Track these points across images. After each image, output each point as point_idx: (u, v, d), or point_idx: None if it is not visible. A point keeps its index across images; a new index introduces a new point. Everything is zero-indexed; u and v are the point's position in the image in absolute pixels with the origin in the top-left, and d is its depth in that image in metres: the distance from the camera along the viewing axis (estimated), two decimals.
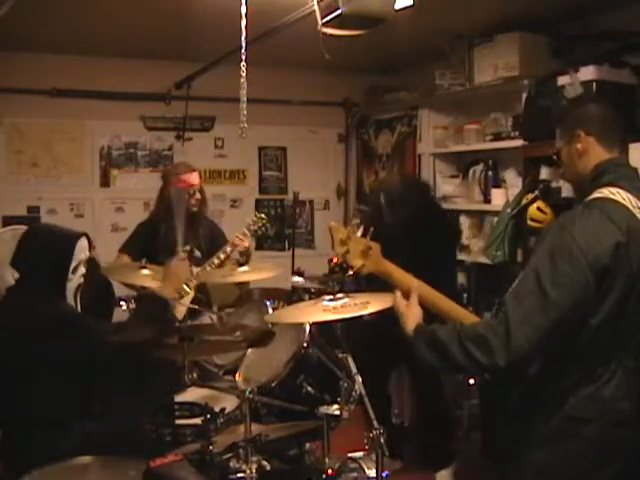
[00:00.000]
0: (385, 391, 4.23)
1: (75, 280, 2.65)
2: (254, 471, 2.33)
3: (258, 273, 3.57)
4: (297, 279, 3.57)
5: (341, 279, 2.54)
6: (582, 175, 2.13)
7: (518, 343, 1.84)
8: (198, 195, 4.09)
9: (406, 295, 2.12)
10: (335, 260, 2.36)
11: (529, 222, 3.95)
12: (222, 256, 3.84)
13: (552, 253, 1.93)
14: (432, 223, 3.97)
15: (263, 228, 4.01)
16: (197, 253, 4.06)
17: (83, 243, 2.70)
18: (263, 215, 4.04)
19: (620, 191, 2.01)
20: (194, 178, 4.09)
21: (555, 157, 2.22)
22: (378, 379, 4.03)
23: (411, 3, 3.12)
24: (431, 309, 2.16)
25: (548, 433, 2.01)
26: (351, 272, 2.15)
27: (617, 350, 2.00)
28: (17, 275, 2.66)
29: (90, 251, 2.78)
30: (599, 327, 1.94)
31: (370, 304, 2.13)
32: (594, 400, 1.97)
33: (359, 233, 2.24)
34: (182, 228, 4.00)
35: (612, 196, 2.00)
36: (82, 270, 2.68)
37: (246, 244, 3.90)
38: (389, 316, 2.13)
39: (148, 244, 4.00)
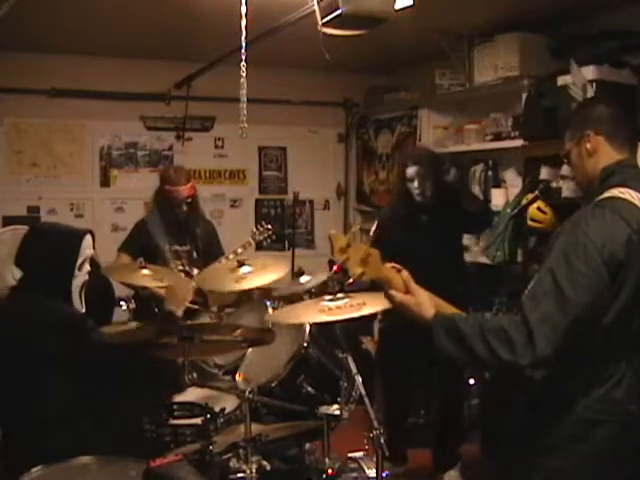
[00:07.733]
0: (407, 395, 4.21)
1: (81, 277, 2.66)
2: (254, 471, 2.33)
3: (263, 277, 3.53)
4: (306, 278, 3.50)
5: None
6: (591, 176, 2.13)
7: (540, 345, 1.82)
8: (185, 207, 4.03)
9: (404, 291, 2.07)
10: (336, 269, 2.36)
11: (529, 222, 3.95)
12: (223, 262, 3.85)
13: (567, 252, 1.91)
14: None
15: (268, 239, 4.05)
16: (194, 254, 4.08)
17: (88, 240, 2.70)
18: (269, 226, 4.07)
19: (630, 191, 2.02)
20: (183, 192, 4.01)
21: (565, 159, 2.23)
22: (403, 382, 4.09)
23: (411, 3, 3.12)
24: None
25: (559, 436, 2.00)
26: (351, 280, 2.14)
27: (627, 350, 1.99)
28: (18, 274, 2.66)
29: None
30: (610, 326, 1.93)
31: (368, 304, 2.13)
32: (605, 402, 1.96)
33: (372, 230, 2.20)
34: (172, 231, 4.05)
35: (622, 195, 2.01)
36: (87, 267, 2.69)
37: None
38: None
39: (146, 241, 4.03)
